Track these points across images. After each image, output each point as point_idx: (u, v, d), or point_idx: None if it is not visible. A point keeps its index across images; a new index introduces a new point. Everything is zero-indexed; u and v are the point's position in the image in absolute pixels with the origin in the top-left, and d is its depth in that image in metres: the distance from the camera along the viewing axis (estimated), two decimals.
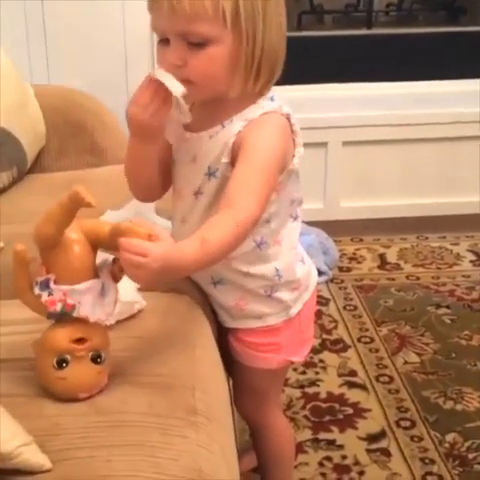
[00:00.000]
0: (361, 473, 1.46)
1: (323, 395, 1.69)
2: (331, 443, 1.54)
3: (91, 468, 0.81)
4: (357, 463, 1.49)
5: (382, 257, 2.33)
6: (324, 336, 1.90)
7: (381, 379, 1.74)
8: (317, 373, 1.76)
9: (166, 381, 0.96)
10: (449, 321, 1.97)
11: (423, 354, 1.83)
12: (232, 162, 1.00)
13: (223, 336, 1.19)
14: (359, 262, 2.30)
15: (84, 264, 0.90)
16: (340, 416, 1.62)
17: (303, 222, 1.15)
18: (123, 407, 0.91)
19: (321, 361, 1.80)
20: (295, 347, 1.18)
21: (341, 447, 1.53)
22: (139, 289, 1.11)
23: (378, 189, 2.58)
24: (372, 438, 1.56)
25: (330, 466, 1.48)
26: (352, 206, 2.57)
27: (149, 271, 0.83)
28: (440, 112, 2.51)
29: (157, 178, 1.10)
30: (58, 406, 0.90)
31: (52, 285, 0.88)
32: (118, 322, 1.06)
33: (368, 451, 1.52)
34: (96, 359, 0.91)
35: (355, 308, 2.04)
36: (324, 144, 2.47)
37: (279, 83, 1.03)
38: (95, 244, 0.91)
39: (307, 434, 1.56)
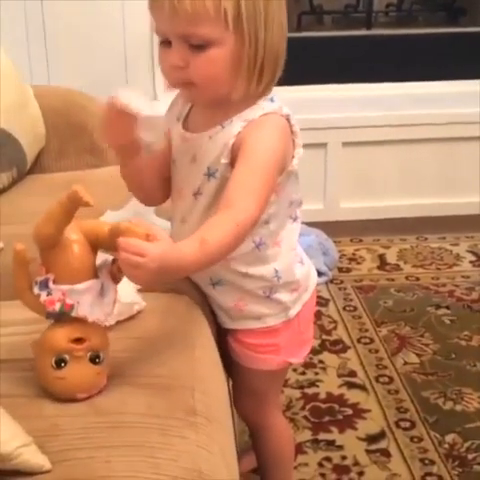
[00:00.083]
0: (361, 474, 1.46)
1: (323, 396, 1.69)
2: (331, 444, 1.54)
3: (90, 469, 0.81)
4: (357, 464, 1.49)
5: (382, 258, 2.33)
6: (324, 337, 1.91)
7: (381, 380, 1.74)
8: (317, 374, 1.76)
9: (165, 382, 0.96)
10: (449, 322, 1.97)
11: (423, 355, 1.83)
12: (231, 163, 1.00)
13: (222, 337, 1.19)
14: (359, 263, 2.30)
15: (84, 264, 0.90)
16: (340, 417, 1.62)
17: (303, 223, 1.15)
18: (122, 408, 0.91)
19: (321, 362, 1.80)
20: (294, 348, 1.18)
21: (341, 448, 1.53)
22: (139, 290, 1.11)
23: (378, 190, 2.58)
24: (372, 439, 1.56)
25: (330, 467, 1.48)
26: (352, 207, 2.57)
27: (147, 271, 0.83)
28: (440, 113, 2.51)
29: (157, 185, 1.11)
30: (57, 407, 0.90)
31: (51, 285, 0.88)
32: (118, 323, 1.06)
33: (368, 452, 1.52)
34: (95, 359, 0.91)
35: (355, 309, 2.05)
36: (324, 145, 2.47)
37: (279, 84, 1.03)
38: (95, 244, 0.91)
39: (307, 435, 1.56)
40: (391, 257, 2.33)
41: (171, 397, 0.93)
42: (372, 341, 1.89)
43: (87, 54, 2.42)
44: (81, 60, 2.42)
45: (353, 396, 1.68)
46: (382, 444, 1.54)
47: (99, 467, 0.81)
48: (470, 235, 2.46)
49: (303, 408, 1.64)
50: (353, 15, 3.11)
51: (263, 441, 1.30)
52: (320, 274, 2.07)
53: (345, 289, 2.15)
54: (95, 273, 0.91)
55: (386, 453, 1.51)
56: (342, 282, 2.19)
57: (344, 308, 2.05)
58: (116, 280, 0.92)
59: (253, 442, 1.33)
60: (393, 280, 2.20)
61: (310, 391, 1.70)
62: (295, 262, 1.14)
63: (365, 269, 2.26)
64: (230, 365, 1.20)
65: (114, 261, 0.91)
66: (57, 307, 0.88)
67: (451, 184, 2.58)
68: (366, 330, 1.94)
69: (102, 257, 0.92)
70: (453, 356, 1.82)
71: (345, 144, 2.51)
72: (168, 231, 1.12)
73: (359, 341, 1.89)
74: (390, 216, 2.55)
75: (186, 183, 1.08)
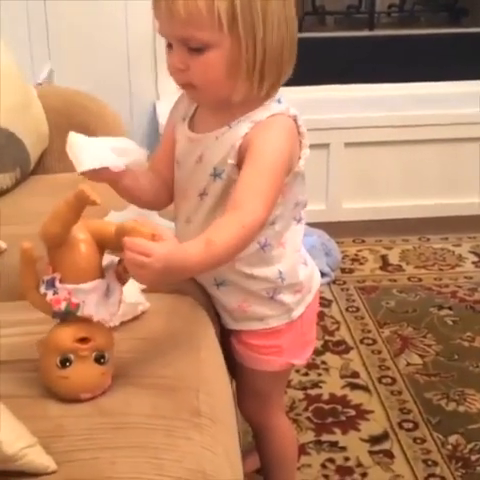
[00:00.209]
0: (364, 475, 1.46)
1: (325, 397, 1.68)
2: (334, 445, 1.54)
3: (95, 470, 0.81)
4: (360, 465, 1.49)
5: (384, 258, 2.33)
6: (326, 337, 1.90)
7: (383, 381, 1.74)
8: (319, 375, 1.76)
9: (170, 383, 0.96)
10: (451, 322, 1.97)
11: (425, 356, 1.82)
12: (238, 164, 1.00)
13: (226, 338, 1.19)
14: (361, 263, 2.30)
15: (90, 264, 0.90)
16: (343, 418, 1.62)
17: (305, 223, 1.15)
18: (127, 409, 0.91)
19: (323, 363, 1.80)
20: (297, 350, 1.18)
21: (344, 449, 1.53)
22: (143, 290, 1.11)
23: (380, 190, 2.58)
24: (375, 440, 1.55)
25: (333, 468, 1.48)
26: (354, 207, 2.57)
27: (152, 271, 0.83)
28: (442, 113, 2.51)
29: (153, 196, 1.12)
30: (62, 407, 0.90)
31: (57, 284, 0.88)
32: (122, 323, 1.06)
33: (371, 453, 1.52)
34: (100, 359, 0.91)
35: (357, 309, 2.04)
36: (326, 145, 2.47)
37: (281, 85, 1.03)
38: (101, 244, 0.91)
39: (310, 436, 1.56)
40: (393, 258, 2.33)
41: (176, 398, 0.93)
42: (375, 342, 1.89)
43: (90, 54, 2.43)
44: (84, 60, 2.42)
45: (356, 397, 1.68)
46: (385, 445, 1.54)
47: (104, 468, 0.81)
48: (472, 236, 2.46)
49: (306, 409, 1.64)
50: (355, 16, 3.12)
51: (266, 442, 1.30)
52: (323, 275, 2.06)
53: (348, 290, 2.15)
54: (101, 273, 0.91)
55: (389, 454, 1.51)
56: (345, 283, 2.18)
57: (347, 309, 2.05)
58: (122, 281, 0.92)
59: (256, 443, 1.33)
60: (395, 281, 2.19)
61: (313, 392, 1.70)
62: (299, 263, 1.14)
63: (368, 270, 2.26)
64: (233, 366, 1.20)
65: (120, 261, 0.91)
66: (63, 306, 0.88)
67: (454, 185, 2.58)
68: (369, 331, 1.94)
69: (109, 258, 0.92)
70: (456, 357, 1.82)
71: (347, 145, 2.51)
72: (173, 231, 1.12)
73: (362, 342, 1.89)
74: (392, 217, 2.55)
75: (191, 184, 1.08)
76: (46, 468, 0.80)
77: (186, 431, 0.88)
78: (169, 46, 0.99)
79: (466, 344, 1.87)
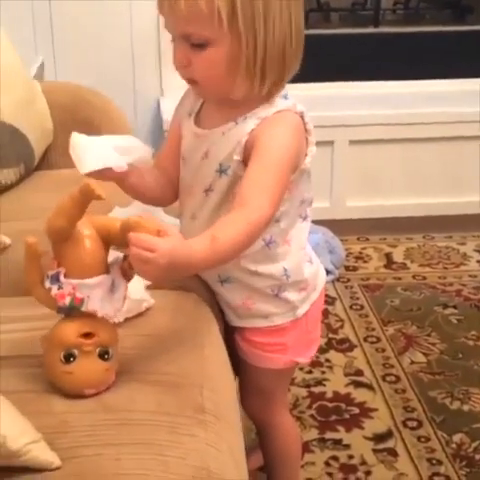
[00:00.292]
0: (368, 473, 1.46)
1: (329, 394, 1.68)
2: (337, 443, 1.54)
3: (99, 466, 0.81)
4: (364, 463, 1.48)
5: (388, 256, 2.32)
6: (330, 335, 1.90)
7: (387, 379, 1.73)
8: (323, 372, 1.75)
9: (174, 379, 0.95)
10: (456, 321, 1.96)
11: (430, 354, 1.82)
12: (244, 160, 1.00)
13: (230, 335, 1.19)
14: (365, 261, 2.29)
15: (95, 259, 0.90)
16: (346, 416, 1.62)
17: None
18: (131, 405, 0.90)
19: (327, 360, 1.80)
20: (301, 348, 1.18)
21: (347, 447, 1.52)
22: (148, 287, 1.11)
23: (384, 188, 2.57)
24: (379, 438, 1.55)
25: (336, 466, 1.47)
26: (358, 205, 2.56)
27: (157, 266, 0.83)
28: (447, 111, 2.50)
29: (160, 193, 1.12)
30: (66, 403, 0.90)
31: (62, 279, 0.88)
32: (126, 320, 1.05)
33: (375, 451, 1.51)
34: (104, 355, 0.91)
35: (361, 307, 2.04)
36: (330, 143, 2.46)
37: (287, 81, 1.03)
38: (107, 240, 0.91)
39: (313, 433, 1.56)
40: (398, 256, 2.32)
41: (180, 395, 0.93)
42: (379, 340, 1.89)
43: (94, 51, 2.42)
44: (88, 57, 2.42)
45: (360, 395, 1.68)
46: (389, 443, 1.53)
47: (108, 464, 0.81)
48: (477, 234, 2.45)
49: (310, 407, 1.64)
50: (360, 13, 3.11)
51: (270, 439, 1.30)
52: (327, 273, 2.04)
53: (352, 288, 2.14)
54: (106, 269, 0.91)
55: (393, 452, 1.51)
56: (349, 281, 2.18)
57: (351, 307, 2.04)
58: (127, 277, 0.92)
59: (260, 440, 1.32)
60: (400, 279, 2.19)
61: (317, 390, 1.69)
62: (304, 261, 1.13)
63: (372, 268, 2.25)
64: (237, 363, 1.20)
65: (125, 257, 0.91)
66: (67, 301, 0.88)
67: (458, 183, 2.57)
68: (373, 329, 1.93)
69: (114, 254, 0.92)
70: (460, 356, 1.81)
71: (352, 142, 2.50)
72: (177, 228, 1.12)
73: (366, 340, 1.89)
74: (397, 215, 2.54)
75: (197, 180, 1.07)
76: (50, 464, 0.80)
77: (190, 428, 0.88)
78: (174, 42, 0.99)
79: (471, 343, 1.86)
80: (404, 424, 1.59)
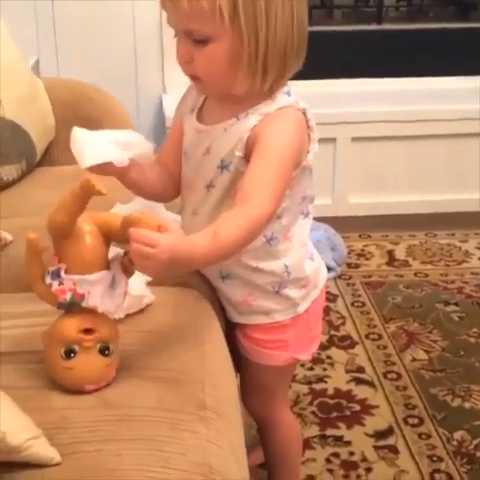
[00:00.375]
0: (368, 470, 1.46)
1: (330, 391, 1.68)
2: (338, 439, 1.54)
3: (100, 462, 0.81)
4: (364, 460, 1.48)
5: (390, 254, 2.32)
6: (332, 332, 1.90)
7: (389, 376, 1.73)
8: (325, 369, 1.76)
9: (175, 376, 0.95)
10: (457, 318, 1.96)
11: (431, 351, 1.82)
12: (246, 156, 1.00)
13: (231, 331, 1.19)
14: (367, 258, 2.29)
15: (96, 255, 0.90)
16: (347, 412, 1.62)
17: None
18: (131, 401, 0.90)
19: (329, 357, 1.80)
20: (302, 345, 1.18)
21: (348, 443, 1.53)
22: (148, 283, 1.11)
23: (387, 185, 2.57)
24: (380, 435, 1.55)
25: (337, 462, 1.48)
26: (360, 202, 2.56)
27: (157, 262, 0.83)
28: (450, 108, 2.50)
29: (161, 189, 1.12)
30: (66, 399, 0.90)
31: (63, 274, 0.88)
32: (127, 316, 1.05)
33: (376, 448, 1.51)
34: (104, 351, 0.91)
35: (363, 304, 2.04)
36: (333, 140, 2.46)
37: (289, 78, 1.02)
38: (108, 236, 0.91)
39: (314, 430, 1.56)
40: (400, 253, 2.32)
41: (181, 391, 0.93)
42: (380, 337, 1.89)
43: (97, 48, 2.42)
44: (90, 54, 2.42)
45: (361, 392, 1.68)
46: (390, 440, 1.54)
47: (108, 460, 0.81)
48: (479, 232, 2.45)
49: (311, 403, 1.64)
50: (363, 9, 3.10)
51: (271, 436, 1.30)
52: (328, 270, 2.04)
53: (353, 285, 2.14)
54: (107, 265, 0.91)
55: (394, 449, 1.51)
56: (350, 278, 2.18)
57: (352, 304, 2.04)
58: (128, 272, 0.92)
59: (261, 437, 1.32)
60: (402, 276, 2.19)
61: (318, 387, 1.69)
62: (305, 258, 1.13)
63: (374, 265, 2.25)
64: (238, 360, 1.20)
65: (126, 253, 0.91)
66: (68, 296, 0.88)
67: (461, 180, 2.57)
68: (374, 326, 1.93)
69: (115, 250, 0.92)
70: (462, 353, 1.81)
71: (354, 139, 2.50)
72: (179, 224, 1.12)
73: (367, 337, 1.89)
74: (399, 212, 2.54)
75: (198, 176, 1.07)
76: (51, 460, 0.80)
77: (191, 424, 0.88)
78: (177, 38, 0.99)
79: (472, 340, 1.86)
80: (405, 421, 1.59)
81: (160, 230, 0.84)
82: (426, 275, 2.19)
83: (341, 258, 2.22)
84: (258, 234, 0.96)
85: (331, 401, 1.65)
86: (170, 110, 2.08)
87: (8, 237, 1.32)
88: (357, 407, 1.63)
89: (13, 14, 2.00)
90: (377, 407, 1.63)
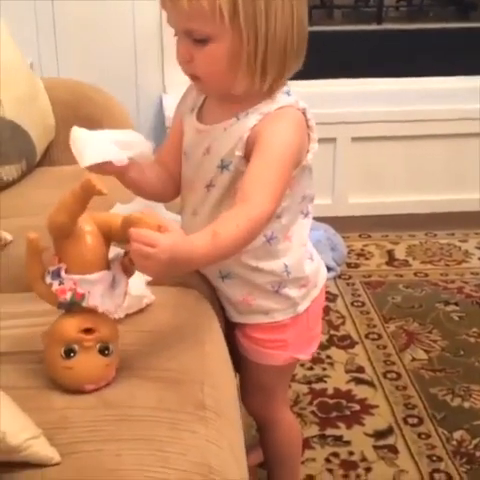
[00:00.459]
0: (368, 469, 1.46)
1: (330, 391, 1.68)
2: (338, 439, 1.54)
3: (99, 462, 0.81)
4: (364, 459, 1.48)
5: (390, 253, 2.32)
6: (332, 332, 1.90)
7: (389, 376, 1.73)
8: (324, 369, 1.76)
9: (175, 376, 0.95)
10: (457, 318, 1.96)
11: (431, 351, 1.82)
12: (246, 156, 1.00)
13: (230, 331, 1.19)
14: (367, 258, 2.29)
15: (96, 255, 0.90)
16: (347, 412, 1.62)
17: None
18: (131, 401, 0.91)
19: (328, 357, 1.80)
20: (302, 344, 1.18)
21: (348, 443, 1.53)
22: (148, 283, 1.11)
23: (387, 185, 2.57)
24: (379, 434, 1.55)
25: (337, 462, 1.48)
26: (360, 202, 2.56)
27: (158, 262, 0.83)
28: (450, 108, 2.50)
29: (161, 189, 1.12)
30: (66, 399, 0.90)
31: (63, 274, 0.88)
32: (127, 316, 1.06)
33: (375, 447, 1.52)
34: (104, 351, 0.91)
35: (363, 304, 2.04)
36: (333, 140, 2.46)
37: (288, 78, 1.02)
38: (108, 236, 0.91)
39: (314, 430, 1.56)
40: (400, 253, 2.32)
41: (180, 391, 0.93)
42: (380, 337, 1.89)
43: (97, 48, 2.42)
44: (90, 54, 2.42)
45: (361, 392, 1.68)
46: (390, 440, 1.54)
47: (108, 460, 0.81)
48: (479, 231, 2.45)
49: (310, 403, 1.64)
50: (363, 9, 3.10)
51: (270, 436, 1.30)
52: (328, 269, 2.03)
53: (353, 285, 2.14)
54: (107, 265, 0.91)
55: (394, 449, 1.51)
56: (350, 277, 2.18)
57: (352, 303, 2.04)
58: (128, 272, 0.92)
59: (260, 437, 1.32)
60: (402, 276, 2.19)
61: (318, 386, 1.69)
62: (305, 258, 1.13)
63: (373, 265, 2.26)
64: (238, 360, 1.20)
65: (126, 253, 0.91)
66: (68, 296, 0.88)
67: (461, 180, 2.57)
68: (374, 326, 1.94)
69: (115, 251, 0.92)
70: (461, 353, 1.81)
71: (354, 139, 2.50)
72: (179, 224, 1.12)
73: (367, 337, 1.89)
74: (399, 212, 2.54)
75: (198, 175, 1.07)
76: (50, 459, 0.80)
77: (191, 424, 0.88)
78: (177, 37, 1.00)
79: (472, 340, 1.87)
80: (405, 421, 1.59)
81: (160, 230, 0.84)
82: (426, 275, 2.19)
83: (341, 258, 2.22)
84: (258, 234, 0.97)
85: (331, 401, 1.65)
86: (170, 110, 2.08)
87: (8, 237, 1.32)
88: (357, 407, 1.63)
89: (13, 14, 2.00)
90: (377, 407, 1.63)
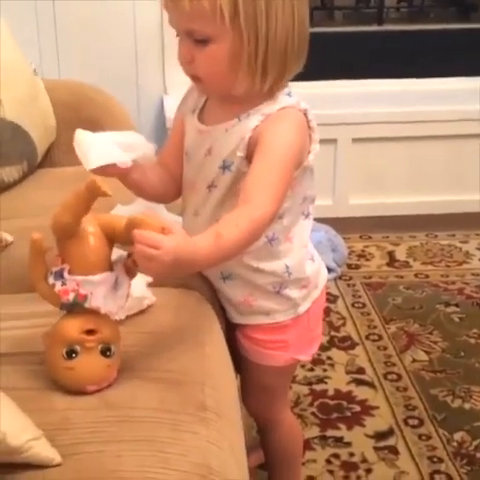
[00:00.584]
0: (368, 471, 1.46)
1: (331, 392, 1.68)
2: (339, 440, 1.54)
3: (101, 463, 0.81)
4: (365, 461, 1.49)
5: (391, 255, 2.32)
6: (332, 333, 1.90)
7: (389, 377, 1.73)
8: (325, 370, 1.76)
9: (176, 377, 0.96)
10: (458, 319, 1.96)
11: (431, 352, 1.82)
12: (248, 157, 1.00)
13: (231, 332, 1.19)
14: (368, 259, 2.29)
15: (99, 257, 0.90)
16: (348, 413, 1.62)
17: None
18: (133, 402, 0.91)
19: (329, 358, 1.80)
20: (303, 345, 1.18)
21: (349, 444, 1.53)
22: (149, 284, 1.11)
23: (387, 186, 2.57)
24: (380, 436, 1.55)
25: (338, 463, 1.48)
26: (361, 203, 2.56)
27: (161, 264, 0.83)
28: (450, 109, 2.50)
29: (162, 189, 1.12)
30: (68, 400, 0.90)
31: (66, 275, 0.88)
32: (128, 317, 1.06)
33: (376, 449, 1.52)
34: (105, 352, 0.91)
35: (363, 305, 2.04)
36: (333, 141, 2.46)
37: (289, 79, 1.03)
38: (111, 238, 0.91)
39: (315, 431, 1.56)
40: (400, 254, 2.32)
41: (181, 392, 0.93)
42: (381, 338, 1.89)
43: (97, 48, 2.42)
44: (91, 54, 2.42)
45: (361, 393, 1.68)
46: (390, 441, 1.54)
47: (109, 461, 0.81)
48: None
49: (311, 404, 1.64)
50: (364, 11, 3.10)
51: (271, 437, 1.30)
52: (329, 270, 2.03)
53: (354, 286, 2.14)
54: (110, 266, 0.91)
55: (394, 450, 1.51)
56: (351, 279, 2.18)
57: (353, 305, 2.04)
58: (131, 274, 0.92)
59: (261, 438, 1.33)
60: (402, 277, 2.19)
61: (318, 387, 1.69)
62: (306, 259, 1.14)
63: (374, 266, 2.26)
64: (239, 361, 1.20)
65: (129, 255, 0.91)
66: (71, 297, 0.88)
67: (461, 181, 2.57)
68: (375, 327, 1.94)
69: (118, 252, 0.92)
70: (462, 354, 1.81)
71: (355, 140, 2.50)
72: (180, 225, 1.12)
73: (367, 338, 1.89)
74: (400, 213, 2.54)
75: (200, 176, 1.08)
76: (51, 461, 0.80)
77: (192, 425, 0.88)
78: (179, 38, 1.00)
79: (472, 341, 1.87)
80: (405, 422, 1.59)
81: (164, 232, 0.84)
82: (426, 276, 2.19)
83: (342, 259, 2.22)
84: (260, 235, 0.97)
85: (331, 402, 1.65)
86: (171, 111, 2.08)
87: (9, 238, 1.32)
88: (357, 408, 1.63)
89: (14, 14, 2.00)
90: (377, 408, 1.63)
